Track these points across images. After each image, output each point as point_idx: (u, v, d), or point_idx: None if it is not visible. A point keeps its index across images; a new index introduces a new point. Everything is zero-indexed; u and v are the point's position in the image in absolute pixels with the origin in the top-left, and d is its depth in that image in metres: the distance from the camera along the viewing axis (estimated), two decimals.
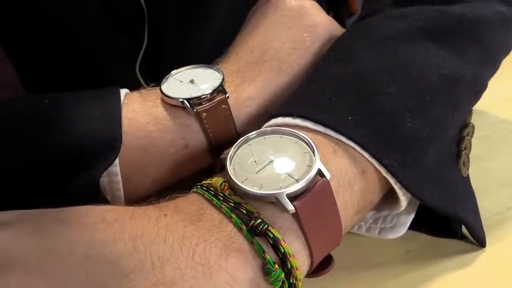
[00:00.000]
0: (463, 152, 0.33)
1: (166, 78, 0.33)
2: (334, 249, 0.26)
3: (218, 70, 0.33)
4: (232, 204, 0.23)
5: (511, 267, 0.30)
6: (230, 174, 0.24)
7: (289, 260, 0.22)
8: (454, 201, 0.30)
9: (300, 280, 0.23)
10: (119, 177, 0.29)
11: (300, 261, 0.23)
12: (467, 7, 0.33)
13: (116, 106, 0.29)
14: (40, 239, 0.21)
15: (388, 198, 0.30)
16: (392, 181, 0.27)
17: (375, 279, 0.30)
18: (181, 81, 0.32)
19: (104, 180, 0.28)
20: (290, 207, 0.22)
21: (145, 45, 0.42)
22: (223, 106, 0.31)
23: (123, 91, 0.31)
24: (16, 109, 0.29)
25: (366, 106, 0.27)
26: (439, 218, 0.30)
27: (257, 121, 0.31)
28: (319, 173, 0.24)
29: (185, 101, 0.30)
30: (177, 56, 0.43)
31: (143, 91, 0.32)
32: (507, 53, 0.36)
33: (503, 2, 0.35)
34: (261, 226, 0.22)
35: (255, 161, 0.24)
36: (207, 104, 0.30)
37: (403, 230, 0.30)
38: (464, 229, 0.31)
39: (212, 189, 0.24)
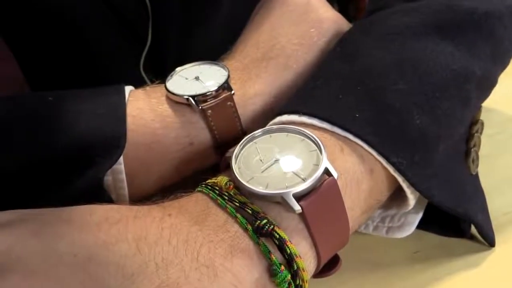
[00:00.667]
0: (472, 149, 0.33)
1: (171, 75, 0.32)
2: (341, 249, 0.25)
3: (223, 67, 0.32)
4: (237, 204, 0.23)
5: None
6: (236, 173, 0.23)
7: (295, 261, 0.22)
8: (463, 200, 0.29)
9: (306, 281, 0.22)
10: (124, 175, 0.28)
11: (307, 262, 0.23)
12: (477, 1, 0.32)
13: (120, 104, 0.29)
14: (42, 240, 0.20)
15: (396, 196, 0.29)
16: (400, 179, 0.27)
17: (382, 280, 0.29)
18: (186, 78, 0.32)
19: (108, 178, 0.28)
20: (297, 207, 0.22)
21: (149, 43, 0.42)
22: (229, 103, 0.30)
23: (128, 88, 0.31)
24: (19, 107, 0.29)
25: (373, 103, 0.27)
26: (447, 217, 0.30)
27: (263, 118, 0.31)
28: (326, 172, 0.23)
29: (190, 98, 0.30)
30: (181, 53, 0.43)
31: (147, 88, 0.32)
32: None
33: None
34: (267, 227, 0.22)
35: (261, 160, 0.24)
36: (213, 101, 0.30)
37: (411, 229, 0.30)
38: (473, 229, 0.31)
39: (217, 188, 0.24)
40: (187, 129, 0.30)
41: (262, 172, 0.23)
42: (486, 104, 0.34)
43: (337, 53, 0.31)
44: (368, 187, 0.26)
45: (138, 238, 0.21)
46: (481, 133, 0.35)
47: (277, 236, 0.22)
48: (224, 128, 0.30)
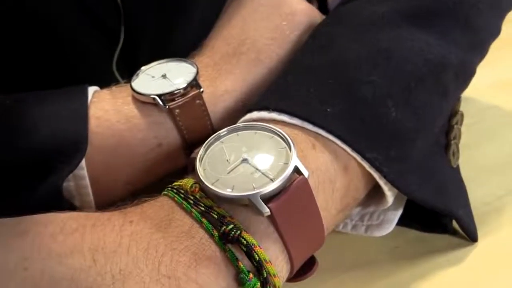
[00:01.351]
0: (452, 142, 0.32)
1: (137, 74, 0.31)
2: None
3: (192, 64, 0.31)
4: (203, 208, 0.21)
5: (503, 260, 0.29)
6: (200, 175, 0.22)
7: (265, 268, 0.20)
8: (445, 195, 0.28)
9: (279, 287, 0.21)
10: (87, 181, 0.27)
11: (279, 267, 0.22)
12: None
13: (82, 105, 0.28)
14: None
15: (374, 193, 0.28)
16: (376, 176, 0.26)
17: (362, 279, 0.28)
18: (152, 76, 0.31)
19: (70, 184, 0.27)
20: (265, 209, 0.21)
21: (122, 42, 0.40)
22: (198, 101, 0.29)
23: (92, 89, 0.29)
24: None
25: (346, 96, 0.26)
26: (428, 213, 0.29)
27: (235, 116, 0.29)
28: (296, 170, 0.22)
29: (157, 97, 0.29)
30: (155, 53, 0.41)
31: (113, 88, 0.31)
32: (496, 37, 0.35)
33: None
34: (233, 232, 0.20)
35: (227, 160, 0.23)
36: (180, 99, 0.29)
37: (390, 227, 0.29)
38: (454, 223, 0.30)
39: (183, 191, 0.22)
40: (154, 130, 0.29)
41: (228, 173, 0.22)
42: (463, 93, 0.33)
43: (309, 46, 0.30)
44: (343, 185, 0.25)
45: (94, 248, 0.19)
46: (461, 124, 0.34)
47: (245, 242, 0.20)
48: (194, 128, 0.29)
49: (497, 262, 0.29)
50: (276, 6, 0.33)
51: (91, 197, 0.27)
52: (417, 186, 0.27)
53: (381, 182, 0.26)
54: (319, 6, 0.38)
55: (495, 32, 0.34)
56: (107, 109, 0.29)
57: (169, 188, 0.23)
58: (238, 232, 0.20)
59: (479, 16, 0.31)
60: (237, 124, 0.25)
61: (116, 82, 0.32)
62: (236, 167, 0.22)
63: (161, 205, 0.22)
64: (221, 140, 0.24)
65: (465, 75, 0.32)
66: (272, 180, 0.21)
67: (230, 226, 0.20)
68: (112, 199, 0.28)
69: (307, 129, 0.25)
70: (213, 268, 0.20)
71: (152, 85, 0.30)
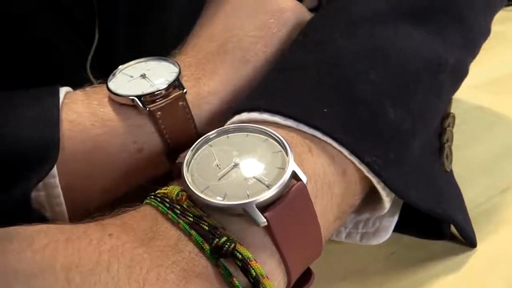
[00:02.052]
0: (446, 144, 0.32)
1: (114, 74, 0.29)
2: None
3: (174, 63, 0.29)
4: (191, 219, 0.19)
5: (502, 265, 0.28)
6: (188, 182, 0.20)
7: (262, 283, 0.18)
8: (442, 199, 0.28)
9: None
10: (59, 190, 0.25)
11: (276, 282, 0.20)
12: None
13: (53, 107, 0.26)
14: None
15: (369, 199, 0.27)
16: (375, 180, 0.24)
17: (358, 286, 0.27)
18: (131, 76, 0.29)
19: (40, 194, 0.24)
20: (261, 219, 0.19)
21: (96, 42, 0.38)
22: (180, 103, 0.28)
23: (64, 90, 0.27)
24: None
25: (343, 96, 0.24)
26: (424, 218, 0.28)
27: (221, 118, 0.28)
28: (294, 176, 0.20)
29: (136, 98, 0.27)
30: (131, 52, 0.39)
31: (87, 89, 0.29)
32: (486, 37, 0.34)
33: None
34: (227, 245, 0.18)
35: (218, 165, 0.21)
36: (162, 101, 0.27)
37: (387, 234, 0.28)
38: (451, 227, 0.29)
39: (168, 200, 0.20)
40: (134, 134, 0.27)
41: (219, 179, 0.20)
42: None
43: (300, 43, 0.29)
44: (341, 190, 0.23)
45: (68, 266, 0.17)
46: (452, 127, 0.34)
47: (240, 256, 0.18)
48: (177, 132, 0.28)
49: (495, 266, 0.28)
50: (262, 3, 0.32)
51: (64, 207, 0.25)
52: (416, 190, 0.26)
53: (379, 187, 0.25)
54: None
55: (486, 32, 0.34)
56: (81, 111, 0.27)
57: (152, 197, 0.21)
58: (233, 245, 0.18)
59: (473, 15, 0.31)
60: (226, 126, 0.23)
61: (89, 83, 0.30)
62: (227, 172, 0.20)
63: (144, 216, 0.20)
64: (210, 143, 0.22)
65: (459, 75, 0.31)
66: (268, 187, 0.20)
67: (224, 239, 0.18)
68: (87, 210, 0.26)
69: (302, 131, 0.23)
70: (205, 286, 0.18)
71: (131, 85, 0.28)
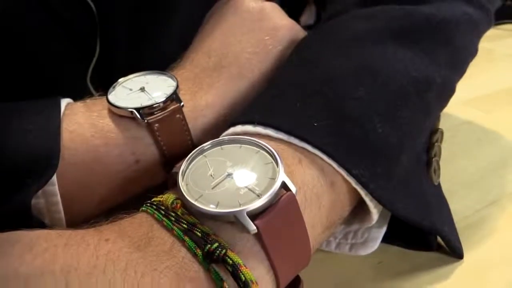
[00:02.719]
0: (433, 159, 0.32)
1: (114, 87, 0.30)
2: None
3: (172, 77, 0.30)
4: (185, 226, 0.20)
5: (488, 275, 0.28)
6: (183, 190, 0.21)
7: None
8: (429, 212, 0.28)
9: None
10: (58, 198, 0.25)
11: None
12: (434, 7, 0.31)
13: (54, 118, 0.26)
14: None
15: (358, 210, 0.28)
16: (362, 192, 0.25)
17: None
18: (130, 89, 0.30)
19: (40, 201, 0.25)
20: (252, 227, 0.20)
21: (97, 55, 0.39)
22: (178, 116, 0.28)
23: (64, 101, 0.28)
24: None
25: (333, 111, 0.25)
26: (412, 230, 0.28)
27: (216, 131, 0.29)
28: (284, 186, 0.21)
29: (135, 111, 0.28)
30: (131, 65, 0.40)
31: (88, 101, 0.29)
32: (473, 56, 0.35)
33: (467, 4, 0.34)
34: (218, 251, 0.19)
35: (211, 175, 0.22)
36: (160, 114, 0.28)
37: (375, 245, 0.28)
38: (438, 239, 0.30)
39: (163, 208, 0.21)
40: (132, 146, 0.28)
41: (213, 188, 0.21)
42: None
43: (294, 61, 0.30)
44: (329, 201, 0.24)
45: (67, 269, 0.18)
46: (441, 142, 0.35)
47: (230, 261, 0.19)
48: (173, 143, 0.28)
49: (482, 277, 0.28)
50: (258, 21, 0.33)
51: (62, 214, 0.26)
52: (402, 204, 0.26)
53: (367, 199, 0.25)
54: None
55: (473, 51, 0.35)
56: (81, 122, 0.27)
57: (148, 204, 0.22)
58: (224, 251, 0.19)
59: (460, 35, 0.32)
60: (221, 138, 0.24)
61: (90, 95, 0.30)
62: (220, 182, 0.21)
63: (140, 222, 0.21)
64: (204, 154, 0.23)
65: (446, 93, 0.32)
66: (258, 196, 0.20)
67: (215, 245, 0.19)
68: (85, 217, 0.27)
69: (293, 144, 0.24)
70: None
71: (130, 98, 0.29)
